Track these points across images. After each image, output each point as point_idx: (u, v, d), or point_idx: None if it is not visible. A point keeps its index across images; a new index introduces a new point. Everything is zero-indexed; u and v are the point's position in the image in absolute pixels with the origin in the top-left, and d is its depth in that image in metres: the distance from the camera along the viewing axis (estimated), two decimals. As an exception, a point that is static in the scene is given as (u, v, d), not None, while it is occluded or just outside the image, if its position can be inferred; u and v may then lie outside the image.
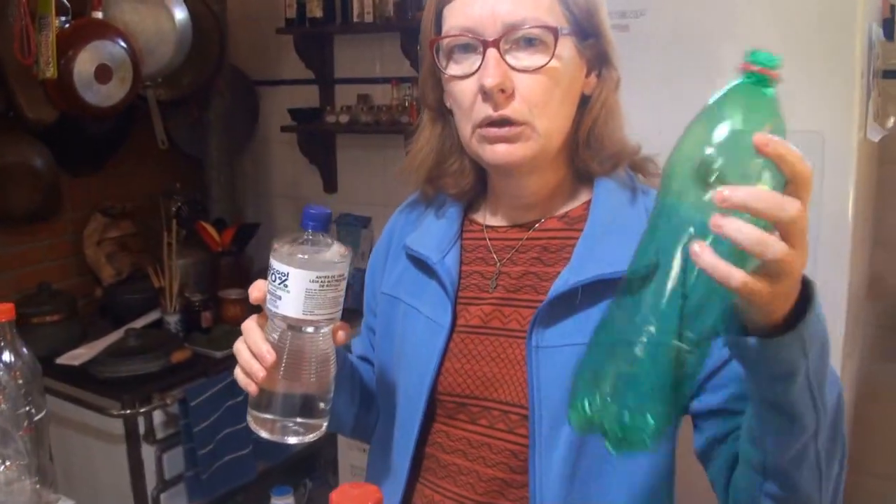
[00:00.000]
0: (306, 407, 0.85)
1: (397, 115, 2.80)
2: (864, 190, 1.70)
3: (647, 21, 1.70)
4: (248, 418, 0.87)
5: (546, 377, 0.92)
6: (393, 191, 2.94)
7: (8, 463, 1.22)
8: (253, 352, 0.85)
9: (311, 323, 0.82)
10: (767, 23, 1.55)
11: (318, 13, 2.87)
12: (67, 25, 2.20)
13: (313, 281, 0.80)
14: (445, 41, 0.94)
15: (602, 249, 0.93)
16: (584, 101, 0.97)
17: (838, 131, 1.49)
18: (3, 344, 1.26)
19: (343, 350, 1.05)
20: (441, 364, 1.00)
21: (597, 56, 0.95)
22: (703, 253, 0.60)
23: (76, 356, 2.37)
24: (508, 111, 0.90)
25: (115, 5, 2.48)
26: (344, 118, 2.92)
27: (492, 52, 0.89)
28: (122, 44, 2.36)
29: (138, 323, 2.65)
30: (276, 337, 0.84)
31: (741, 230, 0.59)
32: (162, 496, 2.39)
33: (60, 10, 2.12)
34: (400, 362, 1.06)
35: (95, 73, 2.29)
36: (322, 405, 0.87)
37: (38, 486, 1.29)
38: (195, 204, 3.05)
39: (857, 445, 2.01)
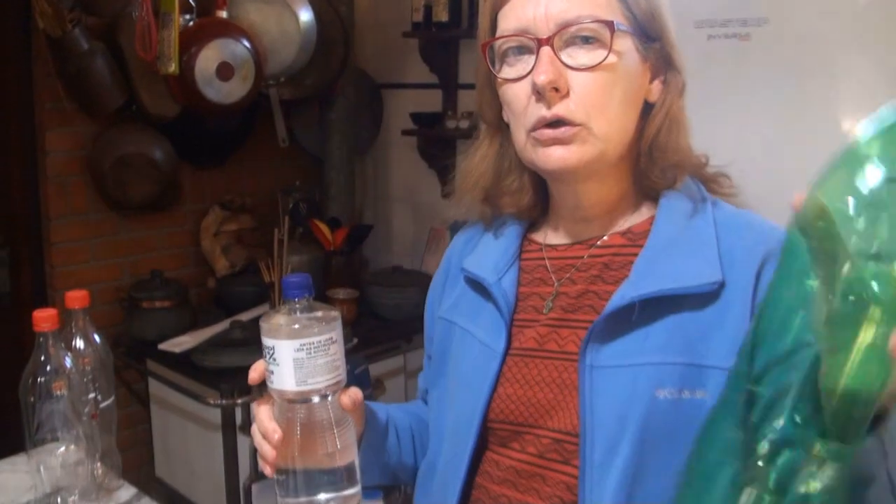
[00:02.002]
0: (334, 479, 0.80)
1: (516, 122, 2.72)
2: None
3: (770, 29, 1.58)
4: None
5: (600, 399, 0.85)
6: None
7: (73, 447, 1.25)
8: (261, 431, 0.83)
9: (307, 394, 0.78)
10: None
11: (445, 17, 2.85)
12: (191, 23, 2.28)
13: (298, 350, 0.76)
14: (499, 43, 0.90)
15: (664, 264, 0.87)
16: (648, 109, 0.91)
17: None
18: (74, 330, 1.29)
19: (384, 412, 1.05)
20: (494, 390, 0.95)
21: (662, 61, 0.90)
22: None
23: (178, 343, 2.45)
24: (562, 111, 0.85)
25: (239, 6, 2.54)
26: (464, 124, 2.88)
27: (545, 49, 0.85)
28: (246, 43, 2.42)
29: (247, 315, 2.70)
30: (285, 414, 0.80)
31: None
32: (254, 487, 2.43)
33: (185, 9, 2.19)
34: (453, 388, 1.02)
35: (217, 70, 2.34)
36: (350, 473, 0.82)
37: (100, 471, 1.32)
38: (312, 202, 3.09)
39: None
